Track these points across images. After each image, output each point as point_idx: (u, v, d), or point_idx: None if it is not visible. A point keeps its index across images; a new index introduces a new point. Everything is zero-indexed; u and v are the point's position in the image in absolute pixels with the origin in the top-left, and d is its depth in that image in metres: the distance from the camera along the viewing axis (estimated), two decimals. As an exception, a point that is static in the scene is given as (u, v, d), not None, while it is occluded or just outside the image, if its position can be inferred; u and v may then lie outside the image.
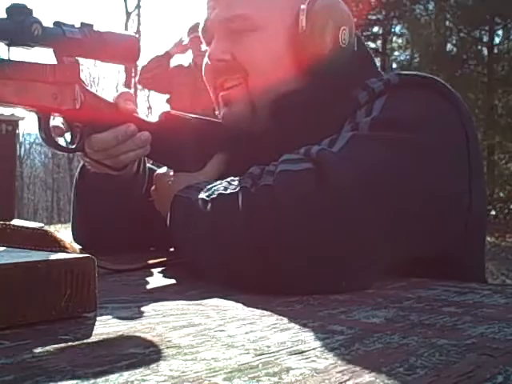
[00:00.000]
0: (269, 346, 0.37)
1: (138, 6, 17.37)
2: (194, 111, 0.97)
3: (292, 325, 0.43)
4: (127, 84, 15.37)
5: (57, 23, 0.71)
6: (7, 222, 0.58)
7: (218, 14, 0.83)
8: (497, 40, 9.49)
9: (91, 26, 0.74)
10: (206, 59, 0.87)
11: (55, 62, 0.72)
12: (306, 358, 0.34)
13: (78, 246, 0.89)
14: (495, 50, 9.42)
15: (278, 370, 0.32)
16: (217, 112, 0.89)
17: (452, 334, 0.40)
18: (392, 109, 0.71)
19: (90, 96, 0.75)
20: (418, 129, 0.69)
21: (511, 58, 9.36)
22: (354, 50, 0.84)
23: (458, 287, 0.59)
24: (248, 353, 0.36)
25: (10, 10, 0.67)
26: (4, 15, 0.67)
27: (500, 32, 9.48)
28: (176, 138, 0.84)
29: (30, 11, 0.67)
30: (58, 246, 0.56)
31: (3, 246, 0.52)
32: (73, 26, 0.72)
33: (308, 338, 0.39)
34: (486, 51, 9.47)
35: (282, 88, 0.82)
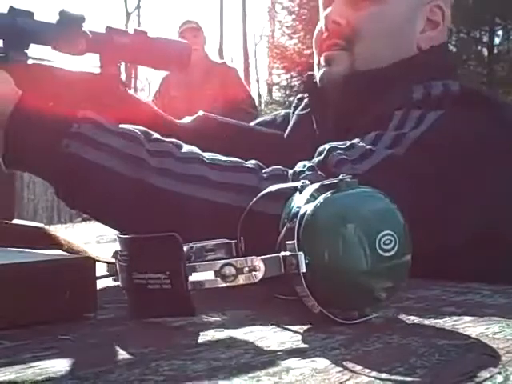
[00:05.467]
0: (268, 346, 0.37)
1: (138, 7, 17.39)
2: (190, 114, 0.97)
3: (292, 325, 0.43)
4: (127, 85, 15.34)
5: (108, 28, 0.71)
6: (5, 221, 0.58)
7: None
8: (497, 40, 9.51)
9: (145, 32, 0.74)
10: (320, 22, 0.88)
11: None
12: (306, 358, 0.34)
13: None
14: (495, 51, 9.44)
15: (278, 370, 0.32)
16: (316, 72, 0.90)
17: (452, 334, 0.40)
18: (439, 132, 0.70)
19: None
20: (457, 162, 0.69)
21: (511, 59, 9.37)
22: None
23: (457, 287, 0.59)
24: (248, 353, 0.36)
25: (61, 17, 0.68)
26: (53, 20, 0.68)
27: (500, 32, 9.50)
28: (213, 140, 0.84)
29: (83, 19, 0.68)
30: (54, 242, 0.56)
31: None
32: (124, 31, 0.73)
33: (308, 338, 0.39)
34: (485, 52, 9.48)
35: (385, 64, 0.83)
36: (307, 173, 0.64)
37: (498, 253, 0.76)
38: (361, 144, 0.68)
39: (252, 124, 1.00)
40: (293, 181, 0.62)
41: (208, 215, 0.60)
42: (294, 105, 0.99)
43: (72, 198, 0.61)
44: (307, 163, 0.66)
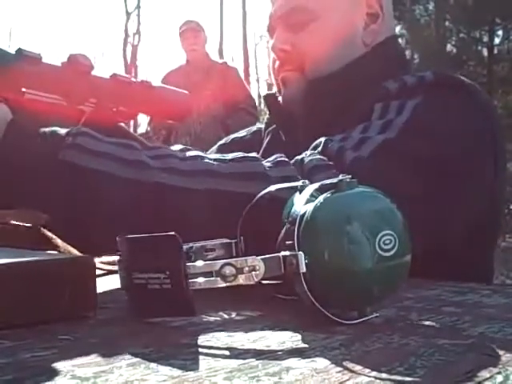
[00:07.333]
0: (268, 346, 0.37)
1: (138, 7, 17.37)
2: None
3: (292, 325, 0.43)
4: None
5: (113, 75, 0.70)
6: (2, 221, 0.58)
7: (277, 10, 0.88)
8: (497, 40, 9.50)
9: (149, 82, 0.74)
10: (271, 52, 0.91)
11: None
12: (306, 358, 0.34)
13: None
14: (495, 51, 9.43)
15: (278, 370, 0.32)
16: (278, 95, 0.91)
17: (452, 334, 0.40)
18: (423, 114, 0.71)
19: None
20: (445, 140, 0.69)
21: (511, 59, 9.36)
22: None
23: (457, 287, 0.59)
24: (248, 352, 0.36)
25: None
26: None
27: (500, 32, 9.49)
28: None
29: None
30: (50, 244, 0.56)
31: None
32: (127, 80, 0.72)
33: (308, 338, 0.39)
34: (485, 52, 9.48)
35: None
36: (312, 157, 0.64)
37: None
38: (353, 134, 0.69)
39: (224, 142, 1.02)
40: (296, 167, 0.63)
41: (218, 205, 0.58)
42: (265, 120, 1.00)
43: (70, 212, 0.57)
44: (308, 152, 0.66)
